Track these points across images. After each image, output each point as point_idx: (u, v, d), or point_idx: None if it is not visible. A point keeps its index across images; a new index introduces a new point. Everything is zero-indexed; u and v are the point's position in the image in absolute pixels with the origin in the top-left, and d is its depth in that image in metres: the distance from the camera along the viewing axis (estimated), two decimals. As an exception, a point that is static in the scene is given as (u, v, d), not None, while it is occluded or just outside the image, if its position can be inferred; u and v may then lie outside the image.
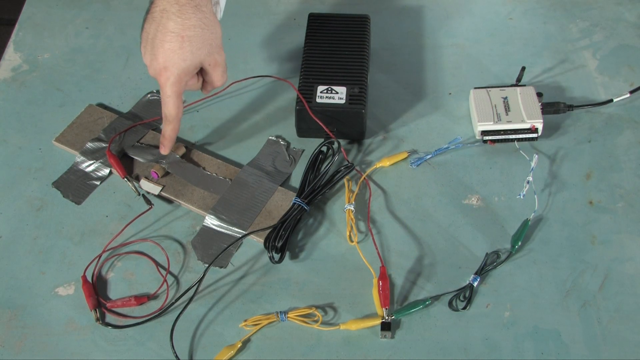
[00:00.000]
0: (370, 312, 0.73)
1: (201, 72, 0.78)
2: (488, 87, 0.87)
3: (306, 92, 0.84)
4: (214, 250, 0.78)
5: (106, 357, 0.71)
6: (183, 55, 0.72)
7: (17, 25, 1.02)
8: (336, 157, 0.83)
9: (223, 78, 0.79)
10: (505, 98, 0.86)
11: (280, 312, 0.72)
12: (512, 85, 0.88)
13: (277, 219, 0.79)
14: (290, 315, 0.72)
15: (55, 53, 0.98)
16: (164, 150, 0.81)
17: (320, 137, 0.84)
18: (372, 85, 0.92)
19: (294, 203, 0.78)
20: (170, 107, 0.76)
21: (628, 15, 1.00)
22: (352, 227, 0.78)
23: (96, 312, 0.73)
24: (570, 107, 0.87)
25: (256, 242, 0.79)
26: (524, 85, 0.88)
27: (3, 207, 0.82)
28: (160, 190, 0.82)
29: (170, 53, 0.72)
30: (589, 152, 0.85)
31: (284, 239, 0.76)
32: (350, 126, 0.84)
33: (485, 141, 0.85)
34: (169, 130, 0.79)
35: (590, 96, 0.90)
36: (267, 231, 0.77)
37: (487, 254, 0.76)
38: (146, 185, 0.82)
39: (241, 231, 0.78)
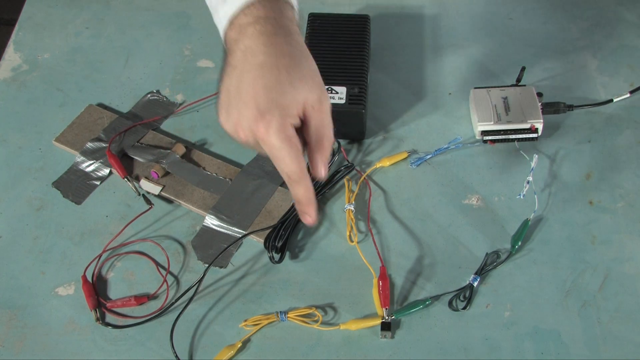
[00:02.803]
0: (370, 312, 0.73)
1: (302, 129, 0.59)
2: (488, 87, 0.87)
3: (306, 92, 0.84)
4: (214, 250, 0.78)
5: (106, 357, 0.71)
6: (282, 88, 0.55)
7: (17, 25, 1.02)
8: (336, 157, 0.83)
9: (331, 123, 0.59)
10: (505, 98, 0.86)
11: (280, 312, 0.72)
12: (512, 85, 0.88)
13: (277, 219, 0.79)
14: (290, 315, 0.72)
15: (55, 53, 0.98)
16: (310, 221, 0.61)
17: (320, 137, 0.84)
18: (372, 85, 0.92)
19: (294, 203, 0.78)
20: (287, 161, 0.56)
21: (628, 15, 1.00)
22: (352, 227, 0.78)
23: (96, 312, 0.73)
24: (570, 107, 0.87)
25: (256, 242, 0.79)
26: (524, 85, 0.87)
27: (3, 207, 0.82)
28: (160, 190, 0.82)
29: (264, 91, 0.55)
30: (589, 152, 0.85)
31: (284, 239, 0.76)
32: (350, 126, 0.84)
33: (485, 141, 0.85)
34: (301, 192, 0.59)
35: (590, 96, 0.90)
36: (267, 231, 0.77)
37: (487, 254, 0.76)
38: (146, 185, 0.82)
39: (241, 231, 0.78)
